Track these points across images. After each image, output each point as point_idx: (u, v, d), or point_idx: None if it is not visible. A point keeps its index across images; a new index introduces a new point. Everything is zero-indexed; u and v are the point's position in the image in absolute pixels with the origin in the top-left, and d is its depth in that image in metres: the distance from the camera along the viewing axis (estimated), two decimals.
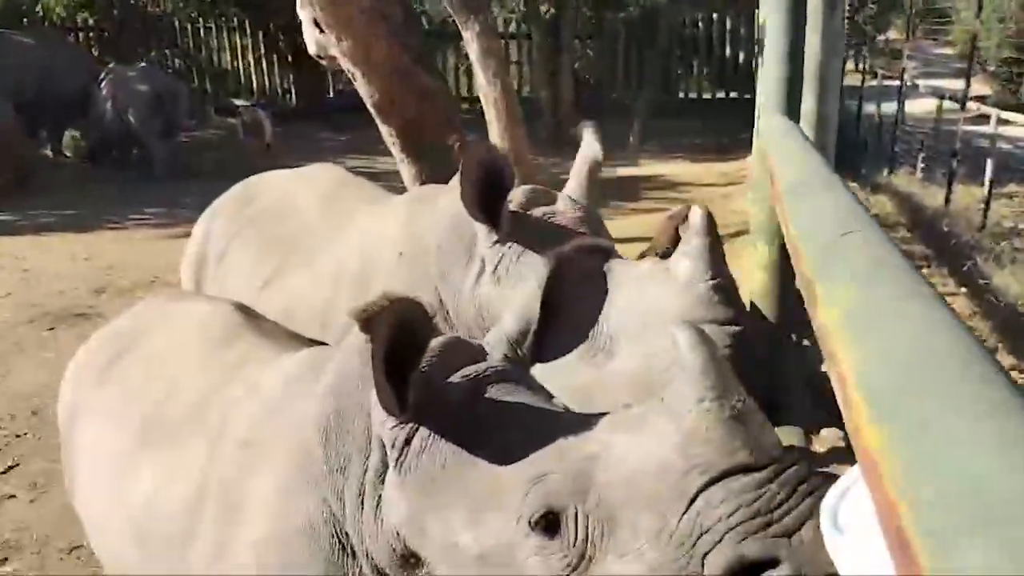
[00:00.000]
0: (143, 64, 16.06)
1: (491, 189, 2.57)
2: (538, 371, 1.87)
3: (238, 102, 20.19)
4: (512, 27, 18.36)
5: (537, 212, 2.76)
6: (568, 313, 1.81)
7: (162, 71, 16.87)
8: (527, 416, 1.64)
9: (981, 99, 17.24)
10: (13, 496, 4.69)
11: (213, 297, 3.25)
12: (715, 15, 20.06)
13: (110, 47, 19.07)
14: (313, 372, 2.10)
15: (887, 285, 0.90)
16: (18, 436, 5.38)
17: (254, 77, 21.29)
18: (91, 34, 20.47)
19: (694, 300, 2.18)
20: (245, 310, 2.86)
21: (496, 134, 9.03)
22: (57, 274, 8.82)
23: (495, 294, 2.65)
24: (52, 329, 7.28)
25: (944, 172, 12.06)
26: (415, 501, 1.65)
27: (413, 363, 1.58)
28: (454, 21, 8.98)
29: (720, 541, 1.31)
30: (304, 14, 5.00)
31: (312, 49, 5.10)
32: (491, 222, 2.66)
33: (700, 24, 20.08)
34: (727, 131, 16.13)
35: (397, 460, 1.66)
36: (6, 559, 4.13)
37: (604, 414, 1.54)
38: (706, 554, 1.32)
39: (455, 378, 1.70)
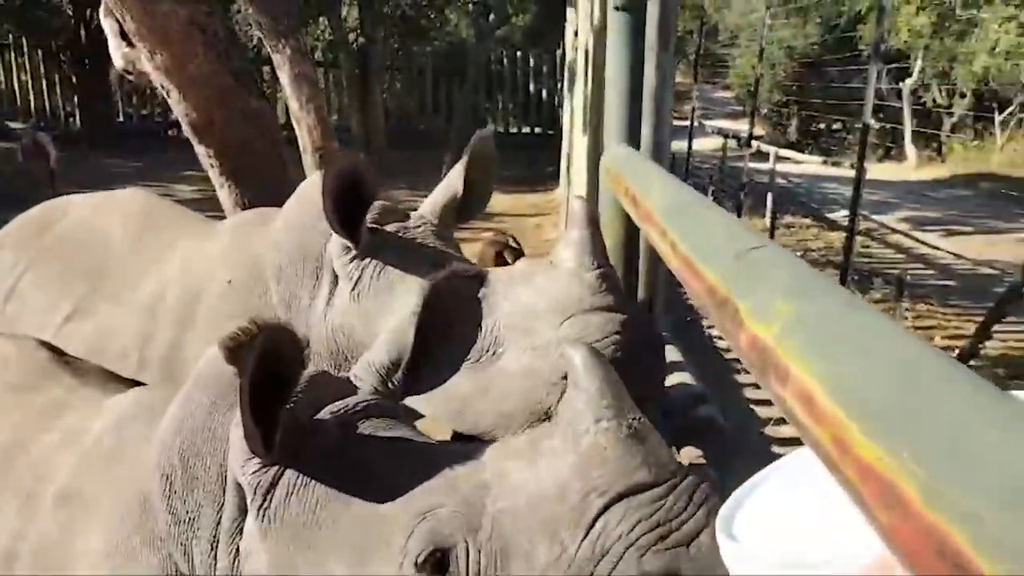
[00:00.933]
0: None
1: (351, 202, 2.45)
2: (416, 397, 1.76)
3: (13, 125, 18.50)
4: (319, 55, 18.05)
5: (391, 228, 2.68)
6: (443, 342, 1.72)
7: None
8: (406, 450, 1.53)
9: (757, 138, 18.89)
10: None
11: (11, 335, 2.87)
12: (519, 53, 20.79)
13: None
14: (149, 414, 1.87)
15: (819, 297, 0.89)
16: None
17: (32, 98, 19.65)
18: None
19: (581, 288, 2.13)
20: (52, 348, 2.54)
21: (310, 161, 8.78)
22: None
23: (355, 311, 2.53)
24: None
25: (732, 204, 13.06)
26: (282, 552, 1.48)
27: (280, 399, 1.43)
28: (261, 43, 8.67)
29: (620, 560, 1.27)
30: (108, 24, 4.59)
31: (119, 63, 4.70)
32: (350, 236, 2.53)
33: (505, 61, 20.71)
34: (533, 164, 16.67)
35: (260, 507, 1.50)
36: None
37: (491, 442, 1.47)
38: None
39: (323, 414, 1.56)
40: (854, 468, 0.65)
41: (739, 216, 12.38)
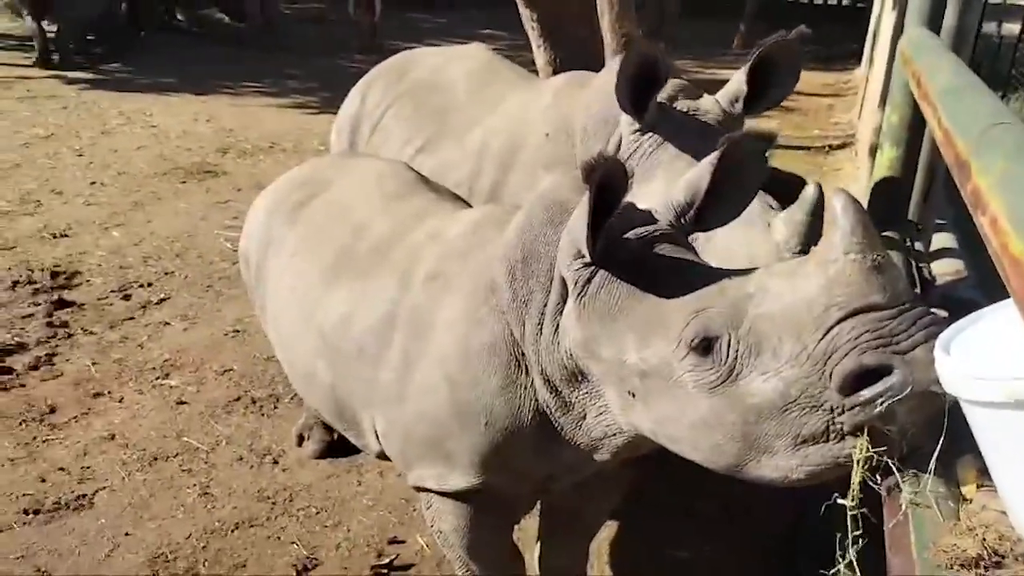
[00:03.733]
0: None
1: (644, 83, 2.75)
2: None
3: None
4: None
5: (681, 106, 2.95)
6: (730, 191, 2.09)
7: None
8: (688, 266, 1.98)
9: None
10: (168, 323, 5.30)
11: (384, 158, 3.63)
12: None
13: None
14: (496, 223, 2.47)
15: None
16: (167, 273, 5.99)
17: None
18: None
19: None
20: (414, 170, 3.24)
21: (607, 24, 9.09)
22: (183, 133, 9.39)
23: None
24: (184, 182, 7.87)
25: None
26: (590, 329, 2.01)
27: (606, 216, 1.92)
28: None
29: (846, 356, 1.60)
30: None
31: None
32: (637, 113, 2.84)
33: None
34: (834, 40, 15.67)
35: (578, 295, 2.02)
36: (168, 375, 4.75)
37: (755, 268, 1.87)
38: (834, 369, 1.63)
39: (631, 235, 2.04)
40: (1008, 258, 1.00)
41: None
